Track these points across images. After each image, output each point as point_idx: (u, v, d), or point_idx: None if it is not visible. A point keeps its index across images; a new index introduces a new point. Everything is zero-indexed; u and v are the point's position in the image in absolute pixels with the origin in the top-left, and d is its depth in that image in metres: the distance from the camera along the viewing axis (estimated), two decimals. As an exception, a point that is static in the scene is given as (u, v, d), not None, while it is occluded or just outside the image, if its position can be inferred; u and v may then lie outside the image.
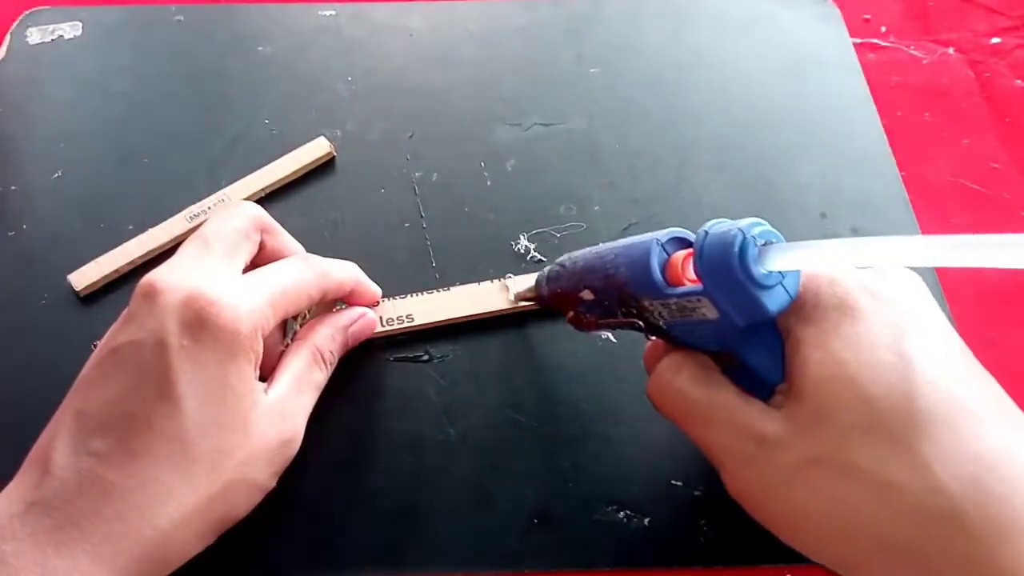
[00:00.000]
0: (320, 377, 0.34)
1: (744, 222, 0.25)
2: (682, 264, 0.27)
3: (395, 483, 0.35)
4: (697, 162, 0.46)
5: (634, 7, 0.54)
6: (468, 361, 0.38)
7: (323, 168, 0.46)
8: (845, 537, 0.25)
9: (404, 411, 0.37)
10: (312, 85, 0.50)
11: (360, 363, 0.38)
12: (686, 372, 0.29)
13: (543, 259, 0.41)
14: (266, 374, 0.32)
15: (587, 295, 0.31)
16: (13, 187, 0.44)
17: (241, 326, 0.29)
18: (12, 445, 0.35)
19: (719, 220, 0.26)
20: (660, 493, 0.35)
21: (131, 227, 0.42)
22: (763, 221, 0.25)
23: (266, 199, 0.44)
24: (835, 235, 0.43)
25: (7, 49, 0.51)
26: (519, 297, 0.38)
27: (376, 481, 0.35)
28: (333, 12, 0.53)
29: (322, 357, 0.34)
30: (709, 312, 0.26)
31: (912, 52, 0.53)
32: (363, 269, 0.38)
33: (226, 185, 0.44)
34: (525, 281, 0.39)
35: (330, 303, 0.37)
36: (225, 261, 0.31)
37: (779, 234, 0.26)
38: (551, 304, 0.34)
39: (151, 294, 0.29)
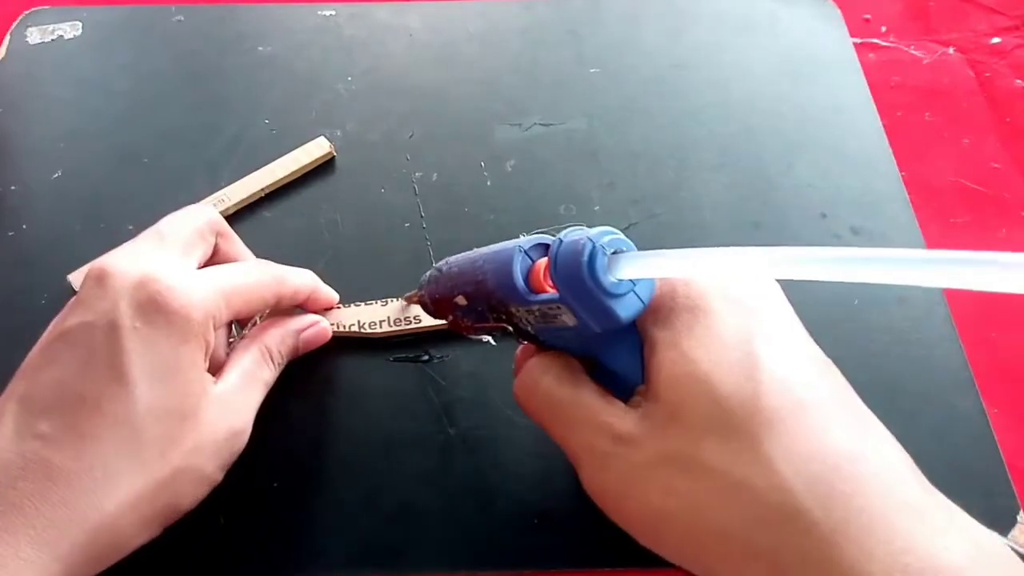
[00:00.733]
0: (268, 375, 0.33)
1: (594, 231, 0.25)
2: (544, 271, 0.27)
3: (395, 483, 0.35)
4: (697, 162, 0.46)
5: (634, 7, 0.54)
6: (468, 361, 0.38)
7: (323, 168, 0.46)
8: (696, 536, 0.25)
9: (404, 411, 0.37)
10: (312, 85, 0.50)
11: (360, 363, 0.38)
12: (552, 373, 0.29)
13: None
14: (212, 372, 0.31)
15: (461, 300, 0.31)
16: (13, 187, 0.44)
17: (194, 312, 0.28)
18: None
19: (575, 227, 0.26)
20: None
21: (131, 227, 0.42)
22: (614, 230, 0.25)
23: (266, 199, 0.44)
24: (835, 235, 0.43)
25: (7, 49, 0.51)
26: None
27: (376, 482, 0.35)
28: (333, 12, 0.53)
29: (271, 356, 0.34)
30: (568, 319, 0.26)
31: (912, 52, 0.53)
32: (363, 269, 0.38)
33: (226, 185, 0.44)
34: None
35: (287, 310, 0.37)
36: (179, 254, 0.31)
37: (630, 242, 0.25)
38: (433, 309, 0.34)
39: (102, 277, 0.29)
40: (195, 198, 0.43)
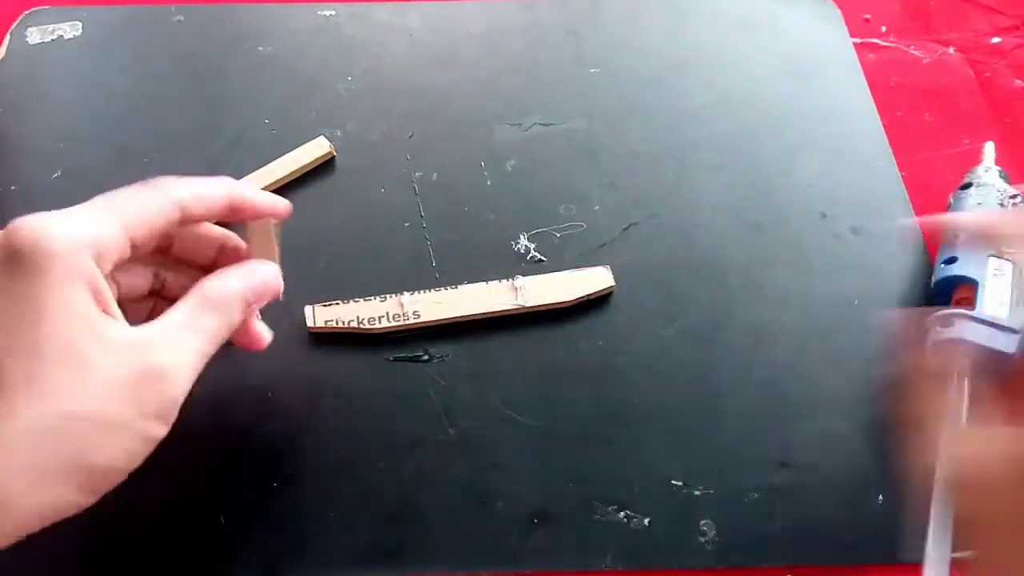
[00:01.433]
0: (211, 322, 0.30)
1: None
2: None
3: (395, 483, 0.35)
4: (697, 162, 0.46)
5: (634, 7, 0.54)
6: (468, 361, 0.38)
7: (323, 168, 0.46)
8: None
9: (404, 411, 0.37)
10: (312, 85, 0.50)
11: (360, 363, 0.38)
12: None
13: (543, 259, 0.41)
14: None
15: None
16: (13, 187, 0.44)
17: (47, 246, 0.26)
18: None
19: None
20: (660, 493, 0.35)
21: (131, 227, 0.42)
22: None
23: (266, 199, 0.44)
24: (835, 235, 0.43)
25: (7, 49, 0.51)
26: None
27: (376, 481, 0.35)
28: (333, 12, 0.53)
29: (212, 302, 0.30)
30: None
31: (912, 52, 0.53)
32: (364, 269, 0.38)
33: (226, 185, 0.44)
34: (534, 282, 0.39)
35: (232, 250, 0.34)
36: (100, 209, 0.28)
37: None
38: None
39: None
40: (195, 198, 0.43)
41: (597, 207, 0.44)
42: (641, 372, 0.38)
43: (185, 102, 0.48)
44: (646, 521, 0.34)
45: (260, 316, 0.34)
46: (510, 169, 0.45)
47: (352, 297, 0.39)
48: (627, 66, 0.51)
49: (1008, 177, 0.42)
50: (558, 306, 0.39)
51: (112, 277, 0.29)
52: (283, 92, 0.49)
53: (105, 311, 0.27)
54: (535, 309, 0.39)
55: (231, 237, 0.34)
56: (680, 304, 0.40)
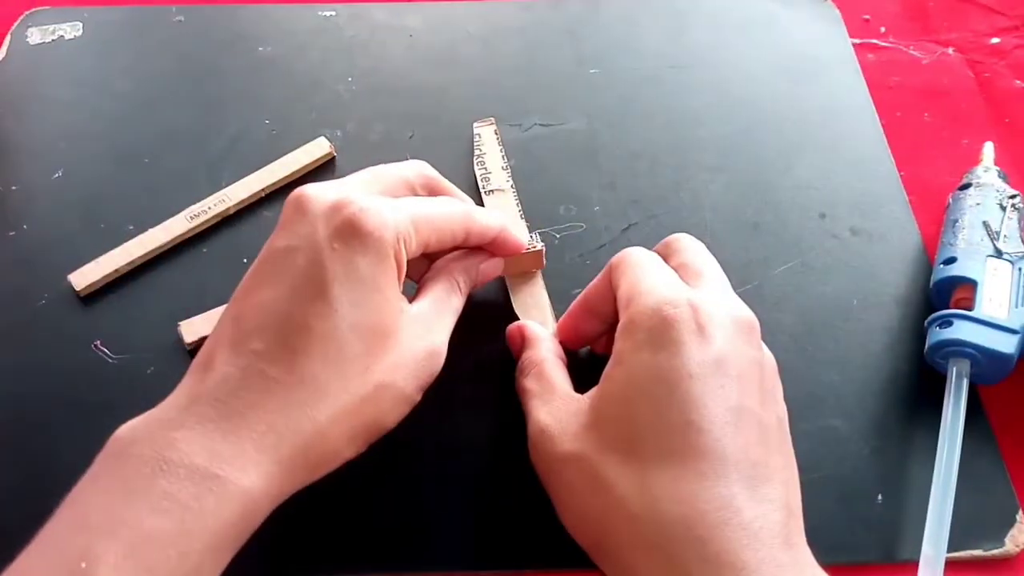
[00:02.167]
0: (457, 303, 0.35)
1: None
2: None
3: (395, 483, 0.35)
4: (697, 162, 0.46)
5: (633, 7, 0.54)
6: (468, 361, 0.38)
7: (323, 168, 0.46)
8: (592, 534, 0.29)
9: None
10: (312, 85, 0.50)
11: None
12: (553, 352, 0.35)
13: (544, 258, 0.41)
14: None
15: None
16: (13, 187, 0.44)
17: (386, 232, 0.30)
18: (12, 444, 0.36)
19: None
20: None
21: (131, 227, 0.42)
22: None
23: (266, 199, 0.44)
24: (834, 235, 0.43)
25: (7, 49, 0.51)
26: None
27: (376, 481, 0.35)
28: (333, 13, 0.53)
29: (459, 285, 0.35)
30: None
31: (911, 52, 0.53)
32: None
33: (226, 185, 0.44)
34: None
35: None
36: (378, 190, 0.32)
37: None
38: None
39: (301, 202, 0.30)
40: (195, 198, 0.43)
41: (597, 207, 0.44)
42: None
43: (185, 102, 0.49)
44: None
45: None
46: (510, 170, 0.45)
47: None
48: (627, 67, 0.51)
49: (1007, 177, 0.42)
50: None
51: None
52: (283, 92, 0.49)
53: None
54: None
55: None
56: (680, 304, 0.40)
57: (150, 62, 0.51)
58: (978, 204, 0.40)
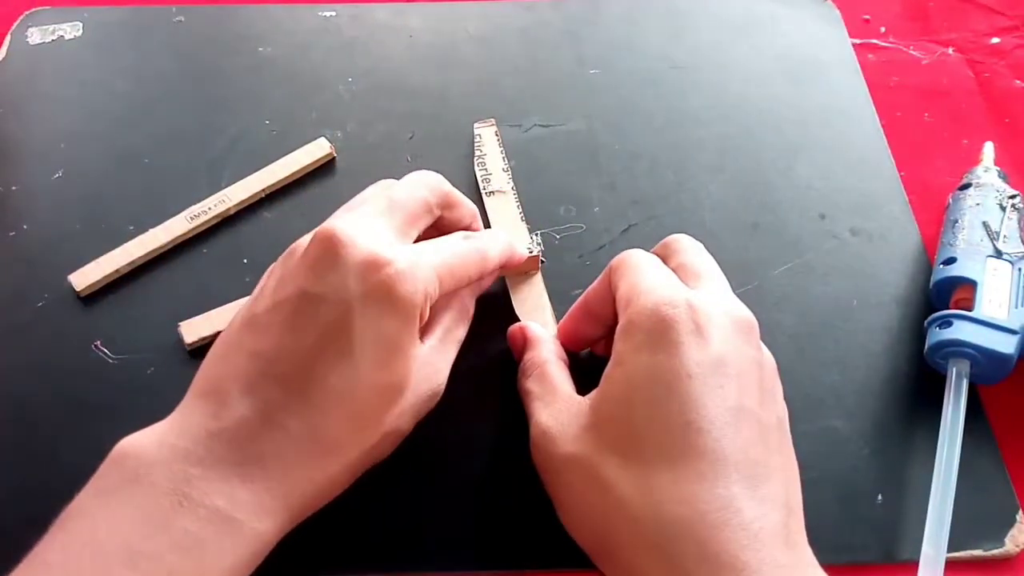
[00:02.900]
0: (463, 332, 0.35)
1: None
2: None
3: (396, 483, 0.35)
4: (697, 163, 0.46)
5: (634, 8, 0.54)
6: (468, 360, 0.38)
7: (323, 169, 0.46)
8: (593, 534, 0.30)
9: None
10: (312, 86, 0.50)
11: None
12: (555, 352, 0.36)
13: (543, 260, 0.41)
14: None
15: None
16: (14, 187, 0.44)
17: (417, 297, 0.30)
18: (12, 444, 0.36)
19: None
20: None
21: (131, 227, 0.42)
22: None
23: (267, 200, 0.44)
24: (834, 236, 0.43)
25: (7, 49, 0.51)
26: None
27: (377, 481, 0.35)
28: (333, 13, 0.53)
29: (468, 310, 0.36)
30: None
31: (912, 52, 0.53)
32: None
33: (226, 185, 0.44)
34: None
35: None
36: (403, 229, 0.32)
37: None
38: None
39: (333, 247, 0.29)
40: (196, 198, 0.43)
41: (597, 208, 0.44)
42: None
43: (186, 103, 0.49)
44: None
45: None
46: (510, 171, 0.45)
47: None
48: (627, 67, 0.51)
49: (1007, 177, 0.42)
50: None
51: None
52: (283, 93, 0.49)
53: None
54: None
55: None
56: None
57: (150, 62, 0.51)
58: (978, 204, 0.40)
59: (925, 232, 0.43)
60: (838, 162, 0.46)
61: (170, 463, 0.27)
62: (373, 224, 0.31)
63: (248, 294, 0.33)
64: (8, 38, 0.51)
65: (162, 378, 0.37)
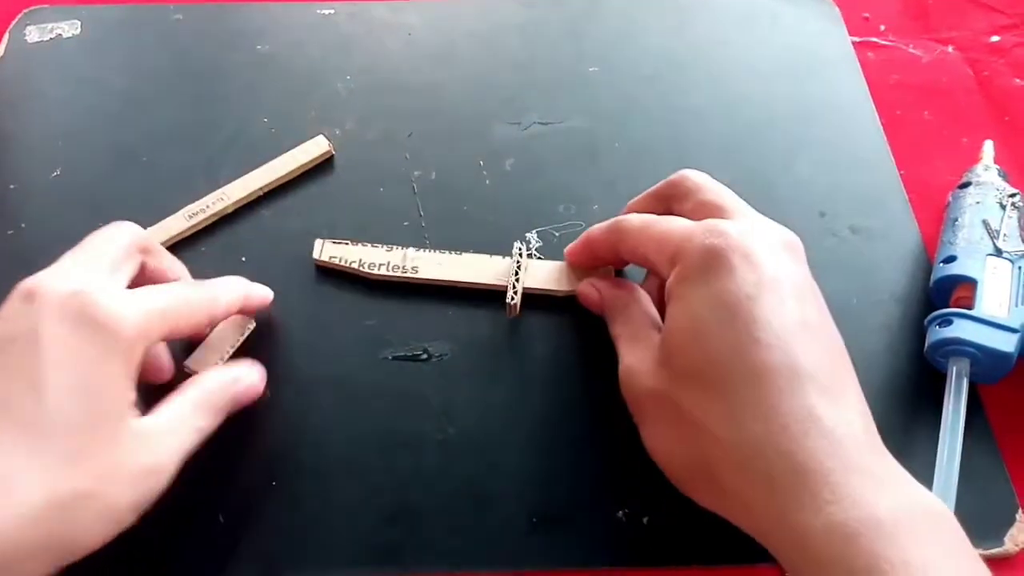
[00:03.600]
0: (203, 423, 0.31)
1: None
2: None
3: (394, 483, 0.35)
4: (696, 160, 0.46)
5: (633, 5, 0.54)
6: (468, 361, 0.38)
7: (322, 167, 0.45)
8: (681, 463, 0.31)
9: (403, 411, 0.37)
10: (311, 84, 0.49)
11: (359, 362, 0.38)
12: (642, 295, 0.37)
13: (542, 258, 0.41)
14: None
15: None
16: (12, 186, 0.44)
17: (123, 325, 0.28)
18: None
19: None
20: (660, 492, 0.34)
21: (130, 226, 0.42)
22: None
23: (265, 198, 0.44)
24: (834, 233, 0.43)
25: (5, 48, 0.51)
26: None
27: (375, 481, 0.35)
28: (332, 11, 0.53)
29: (210, 404, 0.32)
30: None
31: (911, 51, 0.53)
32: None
33: (224, 184, 0.44)
34: (537, 266, 0.40)
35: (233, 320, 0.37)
36: (108, 272, 0.31)
37: None
38: None
39: (31, 295, 0.28)
40: (194, 197, 0.43)
41: (596, 206, 0.44)
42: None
43: (184, 101, 0.48)
44: (645, 520, 0.34)
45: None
46: (509, 168, 0.45)
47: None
48: (626, 64, 0.51)
49: (1007, 176, 0.42)
50: (556, 294, 0.39)
51: None
52: (282, 91, 0.49)
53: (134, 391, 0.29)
54: (532, 291, 0.39)
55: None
56: (679, 303, 0.40)
57: (148, 60, 0.51)
58: (978, 203, 0.40)
59: (925, 230, 0.43)
60: (838, 160, 0.46)
61: None
62: (76, 271, 0.30)
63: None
64: (6, 36, 0.51)
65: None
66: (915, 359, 0.39)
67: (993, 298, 0.36)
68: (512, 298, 0.38)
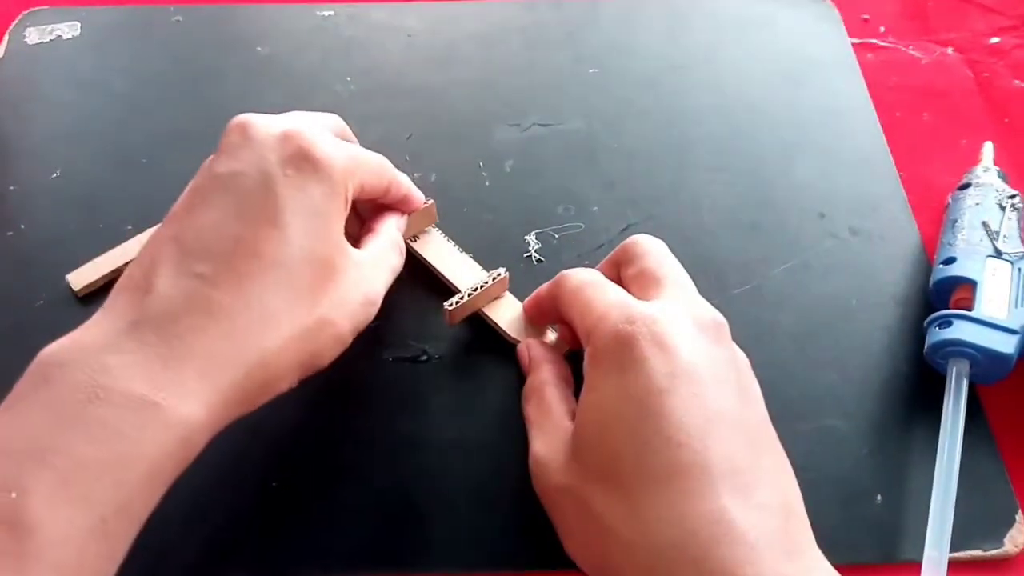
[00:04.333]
0: (396, 261, 0.35)
1: None
2: None
3: (395, 483, 0.35)
4: (695, 162, 0.46)
5: (633, 8, 0.54)
6: (468, 361, 0.38)
7: (322, 168, 0.45)
8: (593, 564, 0.29)
9: (404, 411, 0.37)
10: (310, 86, 0.49)
11: (360, 363, 0.38)
12: (554, 374, 0.35)
13: (542, 259, 0.41)
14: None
15: None
16: (12, 187, 0.44)
17: (337, 163, 0.30)
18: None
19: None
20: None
21: (130, 227, 0.42)
22: None
23: (265, 199, 0.44)
24: (833, 235, 0.43)
25: (5, 49, 0.51)
26: None
27: (376, 481, 0.35)
28: (331, 12, 0.53)
29: (398, 245, 0.36)
30: None
31: (911, 52, 0.53)
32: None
33: (225, 185, 0.44)
34: (510, 303, 0.39)
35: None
36: (315, 124, 0.32)
37: None
38: None
39: (245, 129, 0.30)
40: (194, 198, 0.43)
41: (595, 208, 0.44)
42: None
43: (184, 102, 0.48)
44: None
45: None
46: (508, 170, 0.45)
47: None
48: (626, 67, 0.51)
49: (1007, 177, 0.42)
50: (508, 339, 0.38)
51: None
52: (281, 92, 0.49)
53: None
54: (492, 324, 0.38)
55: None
56: (679, 304, 0.40)
57: (148, 62, 0.51)
58: (977, 204, 0.40)
59: (924, 232, 0.43)
60: (837, 162, 0.46)
61: (88, 358, 0.25)
62: (278, 117, 0.32)
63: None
64: (6, 38, 0.51)
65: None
66: (915, 360, 0.39)
67: (993, 299, 0.36)
68: (452, 305, 0.37)
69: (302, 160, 0.29)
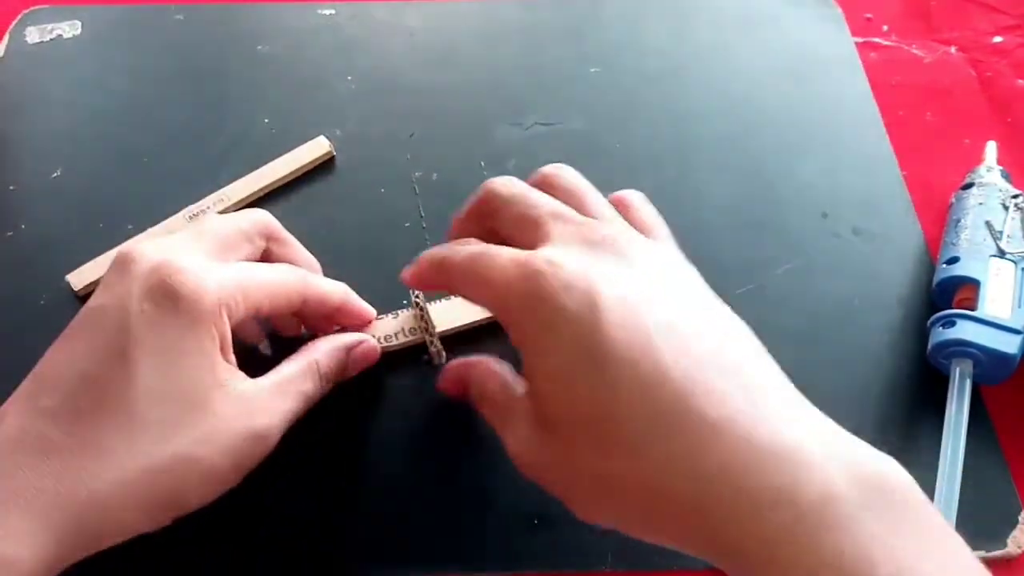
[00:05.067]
0: (310, 388, 0.32)
1: None
2: None
3: (395, 483, 0.35)
4: (698, 162, 0.46)
5: (635, 6, 0.54)
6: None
7: (323, 168, 0.45)
8: (606, 518, 0.28)
9: (404, 411, 0.37)
10: (312, 84, 0.49)
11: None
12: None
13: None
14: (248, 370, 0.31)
15: None
16: (12, 187, 0.44)
17: (204, 296, 0.28)
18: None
19: None
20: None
21: (130, 227, 0.42)
22: None
23: (265, 198, 0.44)
24: (836, 235, 0.43)
25: (5, 48, 0.51)
26: None
27: (376, 481, 0.35)
28: (333, 11, 0.53)
29: (317, 368, 0.32)
30: None
31: (914, 51, 0.53)
32: (363, 270, 0.38)
33: (226, 184, 0.44)
34: (441, 307, 0.39)
35: (327, 324, 0.36)
36: (214, 250, 0.31)
37: None
38: None
39: (124, 261, 0.29)
40: (194, 198, 0.43)
41: (597, 207, 0.44)
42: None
43: (185, 101, 0.48)
44: (647, 522, 0.34)
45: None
46: (510, 169, 0.45)
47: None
48: (628, 66, 0.51)
49: (1010, 177, 0.42)
50: (470, 326, 0.38)
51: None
52: (283, 91, 0.49)
53: (227, 360, 0.29)
54: (450, 332, 0.38)
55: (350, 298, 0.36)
56: (681, 304, 0.40)
57: (149, 61, 0.51)
58: (981, 204, 0.40)
59: (928, 231, 0.43)
60: (840, 161, 0.46)
61: None
62: (175, 243, 0.30)
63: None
64: (6, 37, 0.51)
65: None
66: (918, 360, 0.38)
67: (996, 299, 0.36)
68: (434, 345, 0.37)
69: (161, 296, 0.28)
